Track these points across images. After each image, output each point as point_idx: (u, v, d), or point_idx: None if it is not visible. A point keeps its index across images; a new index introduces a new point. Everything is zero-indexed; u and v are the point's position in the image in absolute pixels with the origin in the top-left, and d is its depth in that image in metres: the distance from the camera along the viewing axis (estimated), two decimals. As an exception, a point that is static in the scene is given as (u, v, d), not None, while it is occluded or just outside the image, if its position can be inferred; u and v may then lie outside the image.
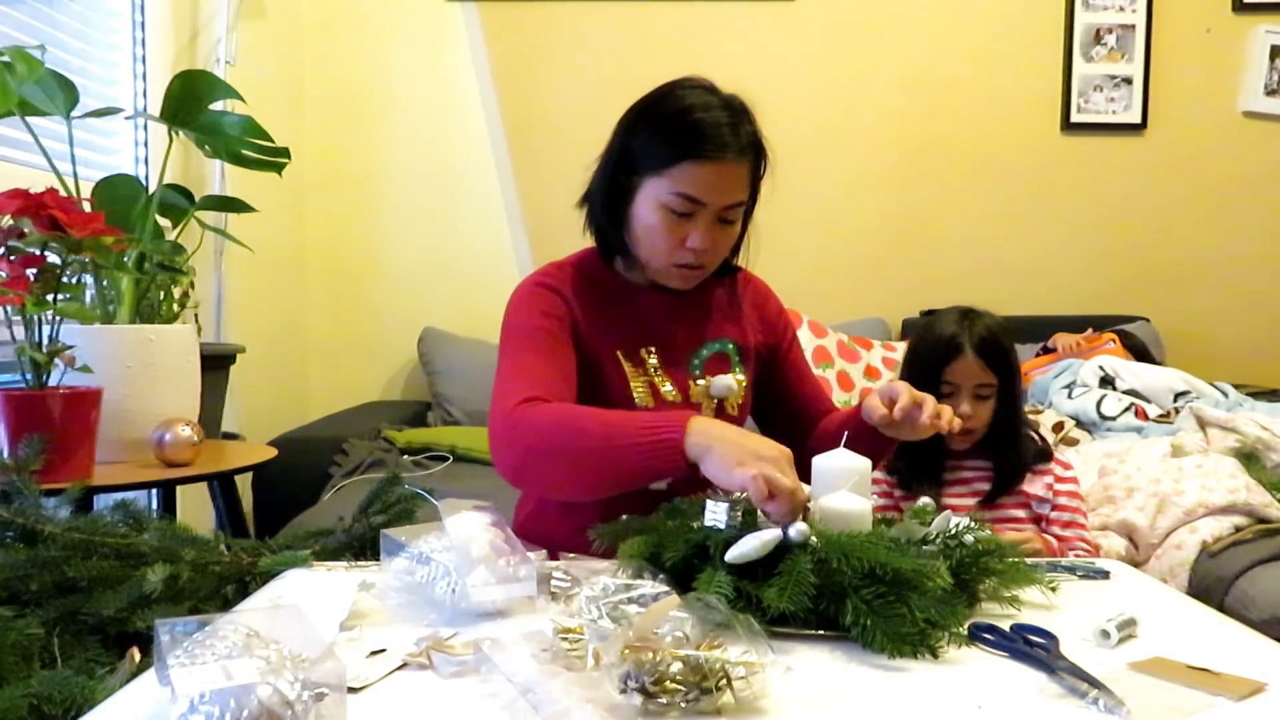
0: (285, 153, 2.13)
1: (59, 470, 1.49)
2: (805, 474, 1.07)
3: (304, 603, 0.86)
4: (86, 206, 1.65)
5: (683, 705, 0.71)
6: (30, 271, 1.52)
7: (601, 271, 1.40)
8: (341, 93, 3.31)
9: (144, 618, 1.06)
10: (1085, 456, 2.21)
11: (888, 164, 3.39)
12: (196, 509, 2.18)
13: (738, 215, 1.34)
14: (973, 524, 1.00)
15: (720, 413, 1.39)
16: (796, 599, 0.86)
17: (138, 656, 1.00)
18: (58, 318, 1.57)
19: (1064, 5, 3.35)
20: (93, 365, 1.61)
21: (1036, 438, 1.62)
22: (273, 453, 1.96)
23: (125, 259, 1.80)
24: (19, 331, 1.59)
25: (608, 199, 1.33)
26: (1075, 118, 3.37)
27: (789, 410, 1.49)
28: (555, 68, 3.33)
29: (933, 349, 1.55)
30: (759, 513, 0.97)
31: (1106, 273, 3.41)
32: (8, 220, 1.51)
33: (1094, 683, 0.76)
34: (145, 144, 2.42)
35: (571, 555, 1.14)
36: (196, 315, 2.18)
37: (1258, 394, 2.69)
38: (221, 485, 1.91)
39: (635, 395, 1.33)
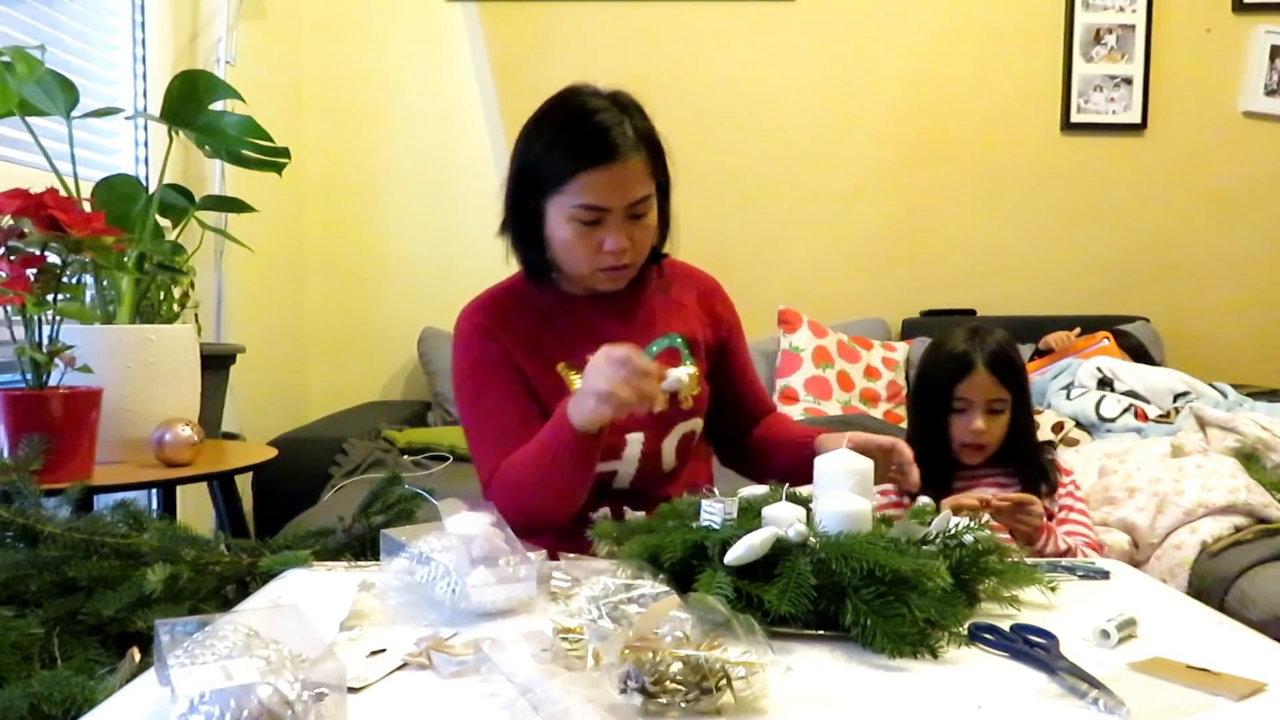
0: (285, 153, 2.13)
1: (59, 470, 1.49)
2: (747, 472, 1.30)
3: (304, 603, 0.86)
4: (86, 206, 1.65)
5: (683, 705, 0.71)
6: (30, 271, 1.52)
7: (534, 291, 1.42)
8: (341, 93, 3.31)
9: (144, 618, 1.06)
10: (1085, 457, 2.21)
11: (888, 164, 3.39)
12: (196, 509, 2.18)
13: (647, 208, 1.33)
14: (972, 523, 1.00)
15: (674, 406, 1.39)
16: (796, 600, 0.86)
17: (138, 656, 1.00)
18: (58, 318, 1.57)
19: (1064, 5, 3.35)
20: (93, 365, 1.61)
21: (1050, 458, 1.62)
22: (273, 453, 1.96)
23: (125, 259, 1.80)
24: (19, 331, 1.59)
25: (519, 224, 1.36)
26: (1075, 118, 3.37)
27: (729, 405, 1.50)
28: (555, 68, 3.32)
29: (944, 366, 1.55)
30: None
31: (1106, 273, 3.41)
32: (8, 220, 1.51)
33: (1094, 683, 0.76)
34: (145, 144, 2.42)
35: (571, 555, 1.14)
36: (196, 315, 2.18)
37: (1257, 394, 2.69)
38: (221, 485, 1.91)
39: None
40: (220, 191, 2.58)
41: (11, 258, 1.52)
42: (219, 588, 1.17)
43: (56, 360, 1.56)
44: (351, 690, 0.75)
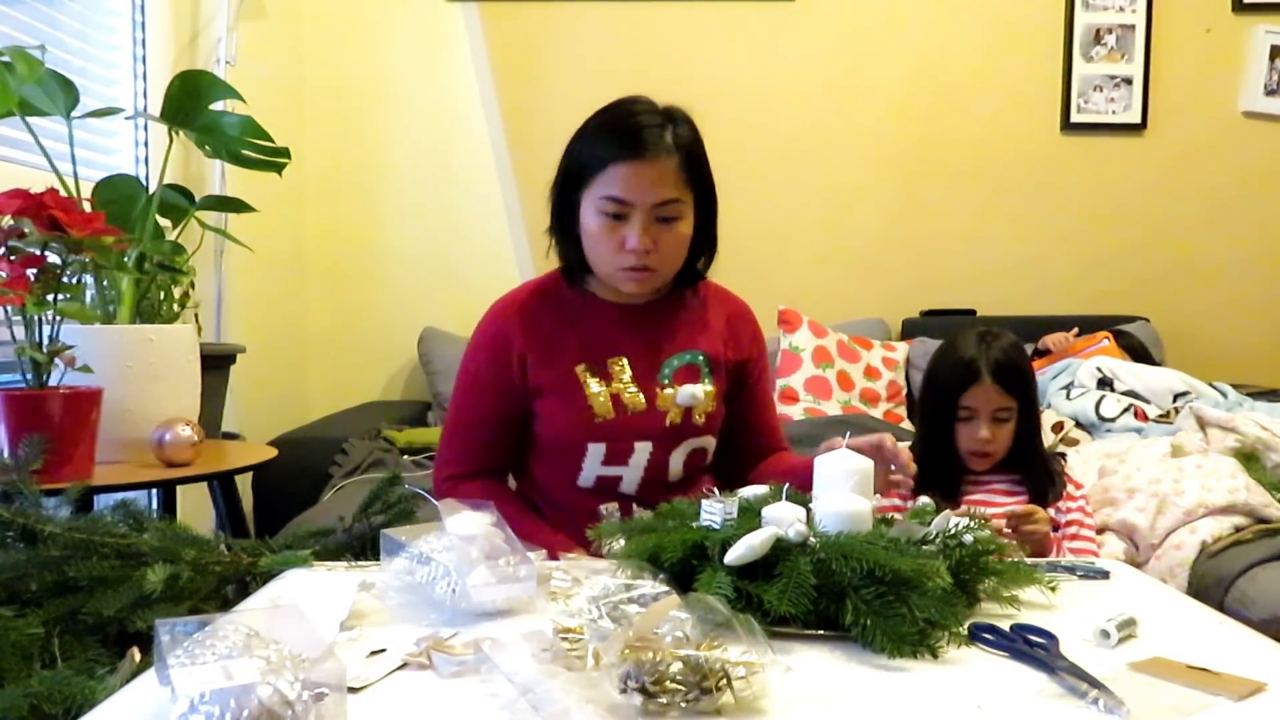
0: (285, 153, 2.13)
1: (59, 470, 1.49)
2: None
3: (304, 603, 0.86)
4: (86, 206, 1.65)
5: (682, 705, 0.71)
6: (30, 271, 1.51)
7: (566, 291, 1.45)
8: (341, 93, 3.31)
9: (144, 618, 1.06)
10: (1085, 457, 2.21)
11: (888, 164, 3.39)
12: (196, 509, 2.18)
13: (676, 213, 1.33)
14: (972, 523, 1.00)
15: (686, 421, 1.41)
16: (797, 600, 0.86)
17: (138, 656, 1.00)
18: (58, 318, 1.57)
19: (1064, 5, 3.35)
20: (93, 365, 1.61)
21: (1058, 466, 1.61)
22: (273, 453, 1.95)
23: (125, 259, 1.80)
24: (19, 331, 1.59)
25: (561, 220, 1.40)
26: (1075, 118, 3.37)
27: (739, 432, 1.51)
28: (555, 68, 3.33)
29: (950, 374, 1.55)
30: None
31: (1106, 273, 3.41)
32: (8, 220, 1.51)
33: (1094, 683, 0.76)
34: (145, 144, 2.41)
35: (571, 555, 1.15)
36: (196, 315, 2.18)
37: (1258, 394, 2.69)
38: (221, 485, 1.91)
39: (595, 409, 1.38)
40: (220, 191, 2.58)
41: (11, 258, 1.51)
42: (219, 588, 1.17)
43: (56, 360, 1.56)
44: (351, 690, 0.75)
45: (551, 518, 1.43)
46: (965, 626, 0.89)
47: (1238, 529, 1.83)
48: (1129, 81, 3.36)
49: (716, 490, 1.12)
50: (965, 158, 3.39)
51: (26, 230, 1.51)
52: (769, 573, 0.90)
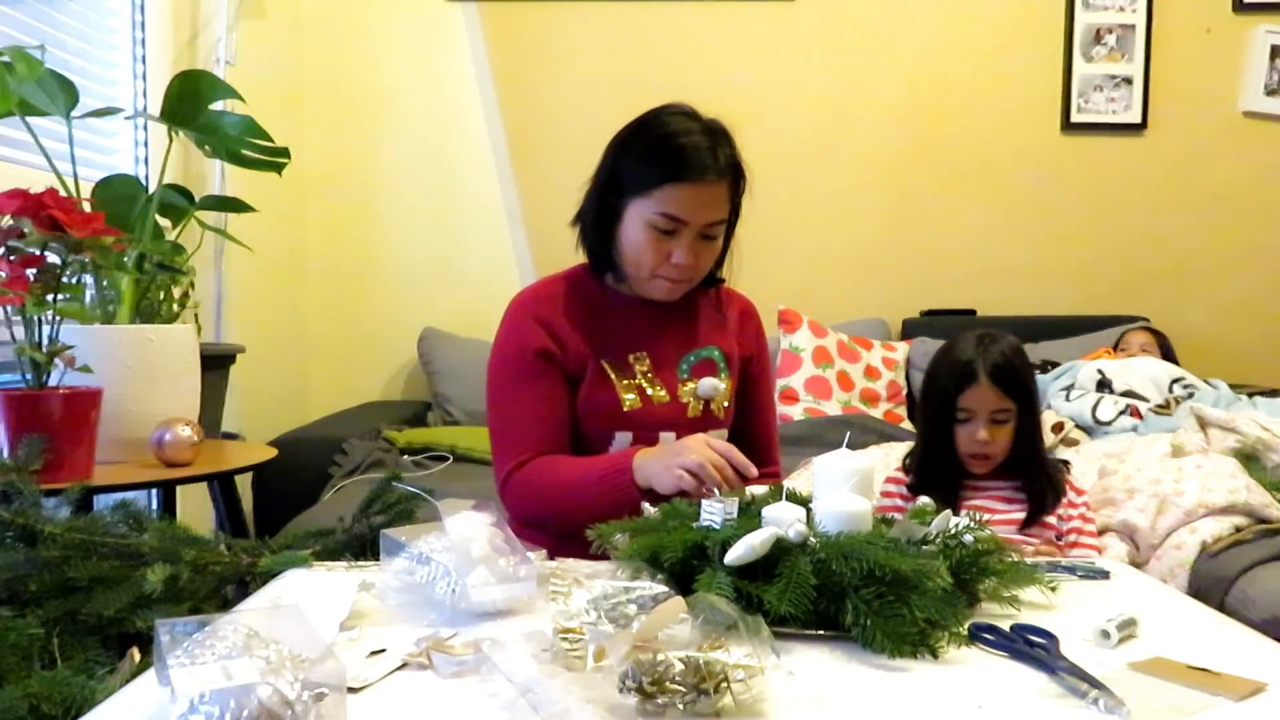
0: (285, 153, 2.13)
1: (59, 470, 1.49)
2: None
3: (304, 603, 0.86)
4: (86, 206, 1.65)
5: (681, 706, 0.71)
6: (30, 271, 1.52)
7: (592, 286, 1.49)
8: (341, 93, 3.31)
9: (144, 618, 1.06)
10: (1085, 457, 2.21)
11: (888, 164, 3.39)
12: (196, 509, 2.18)
13: (719, 231, 1.42)
14: (972, 524, 1.00)
15: (707, 413, 1.45)
16: (796, 600, 0.86)
17: (138, 656, 1.00)
18: (58, 318, 1.57)
19: (1064, 5, 3.34)
20: (93, 365, 1.61)
21: (1060, 467, 1.61)
22: (273, 453, 1.96)
23: (125, 259, 1.80)
24: (19, 331, 1.59)
25: (598, 219, 1.43)
26: (1075, 118, 3.37)
27: (736, 438, 1.50)
28: (555, 68, 3.33)
29: (948, 376, 1.55)
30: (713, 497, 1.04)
31: (1106, 273, 3.41)
32: (8, 220, 1.51)
33: (1094, 683, 0.76)
34: (145, 144, 2.42)
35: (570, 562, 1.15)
36: (196, 315, 2.18)
37: (1257, 394, 2.69)
38: (221, 485, 1.91)
39: (624, 400, 1.42)
40: (220, 191, 2.58)
41: (11, 258, 1.52)
42: (219, 588, 1.17)
43: (56, 360, 1.56)
44: (351, 690, 0.75)
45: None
46: (965, 626, 0.89)
47: (1238, 529, 1.83)
48: (1129, 81, 3.36)
49: (717, 490, 1.12)
50: (965, 158, 3.38)
51: (26, 230, 1.51)
52: (769, 573, 0.90)
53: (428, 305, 3.29)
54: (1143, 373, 2.67)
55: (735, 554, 0.90)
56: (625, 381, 1.42)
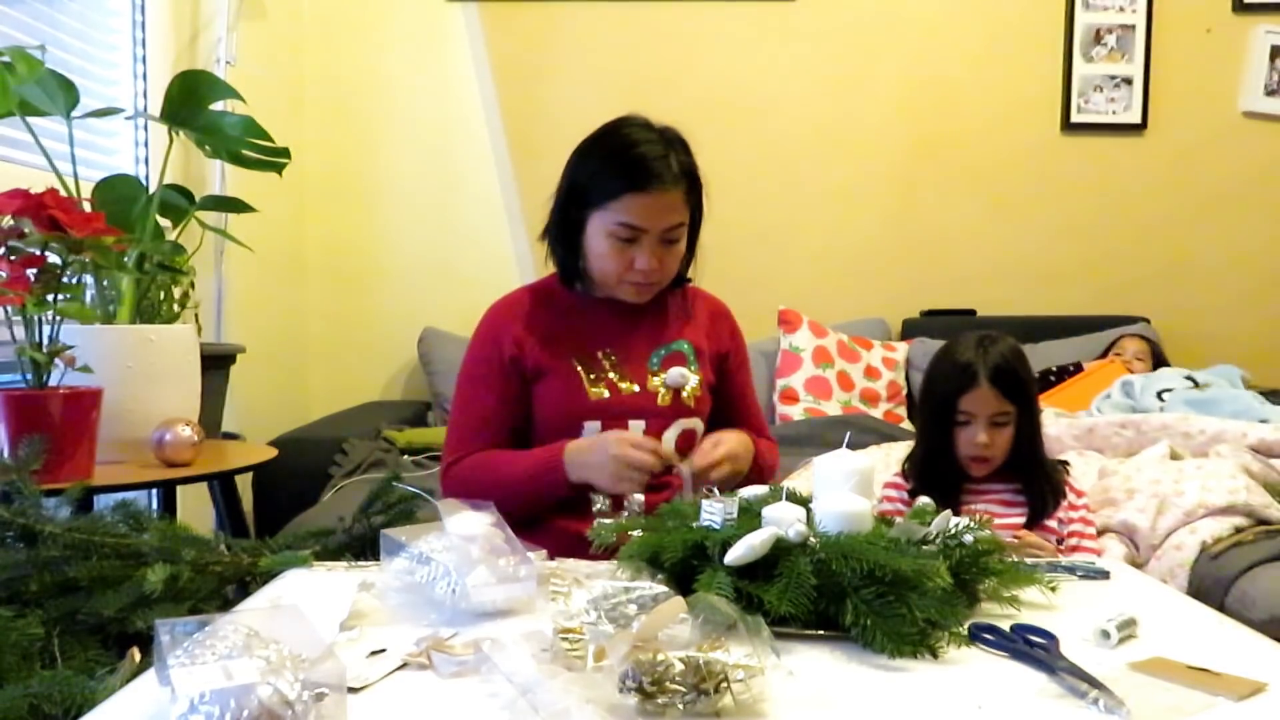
0: (285, 153, 2.13)
1: (59, 470, 1.49)
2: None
3: (304, 603, 0.86)
4: (87, 206, 1.65)
5: (680, 707, 0.71)
6: (30, 271, 1.51)
7: (561, 292, 1.55)
8: (341, 93, 3.31)
9: (144, 618, 1.06)
10: (1086, 458, 2.21)
11: (888, 164, 3.39)
12: (196, 509, 2.18)
13: (680, 235, 1.47)
14: (972, 524, 1.00)
15: (677, 402, 1.50)
16: (796, 600, 0.86)
17: (138, 656, 1.00)
18: (58, 318, 1.57)
19: (1064, 5, 3.34)
20: (93, 365, 1.61)
21: (1059, 469, 1.61)
22: (273, 453, 1.95)
23: (125, 259, 1.79)
24: (19, 331, 1.59)
25: (562, 232, 1.49)
26: (1075, 118, 3.37)
27: (725, 424, 1.55)
28: (555, 68, 3.33)
29: (948, 379, 1.54)
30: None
31: (1106, 273, 3.41)
32: (8, 220, 1.51)
33: (1094, 683, 0.76)
34: (145, 144, 2.41)
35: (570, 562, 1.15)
36: (196, 315, 2.18)
37: (1261, 394, 2.68)
38: (221, 485, 1.91)
39: (590, 393, 1.47)
40: (220, 191, 2.58)
41: (11, 258, 1.51)
42: (219, 588, 1.17)
43: (56, 360, 1.56)
44: (351, 690, 0.75)
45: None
46: (965, 626, 0.89)
47: (1238, 529, 1.82)
48: (1129, 81, 3.36)
49: (716, 490, 1.12)
50: (965, 158, 3.38)
51: (26, 230, 1.51)
52: (769, 573, 0.90)
53: (428, 305, 3.29)
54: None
55: (735, 554, 0.90)
56: (593, 376, 1.48)
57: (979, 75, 3.36)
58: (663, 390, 1.49)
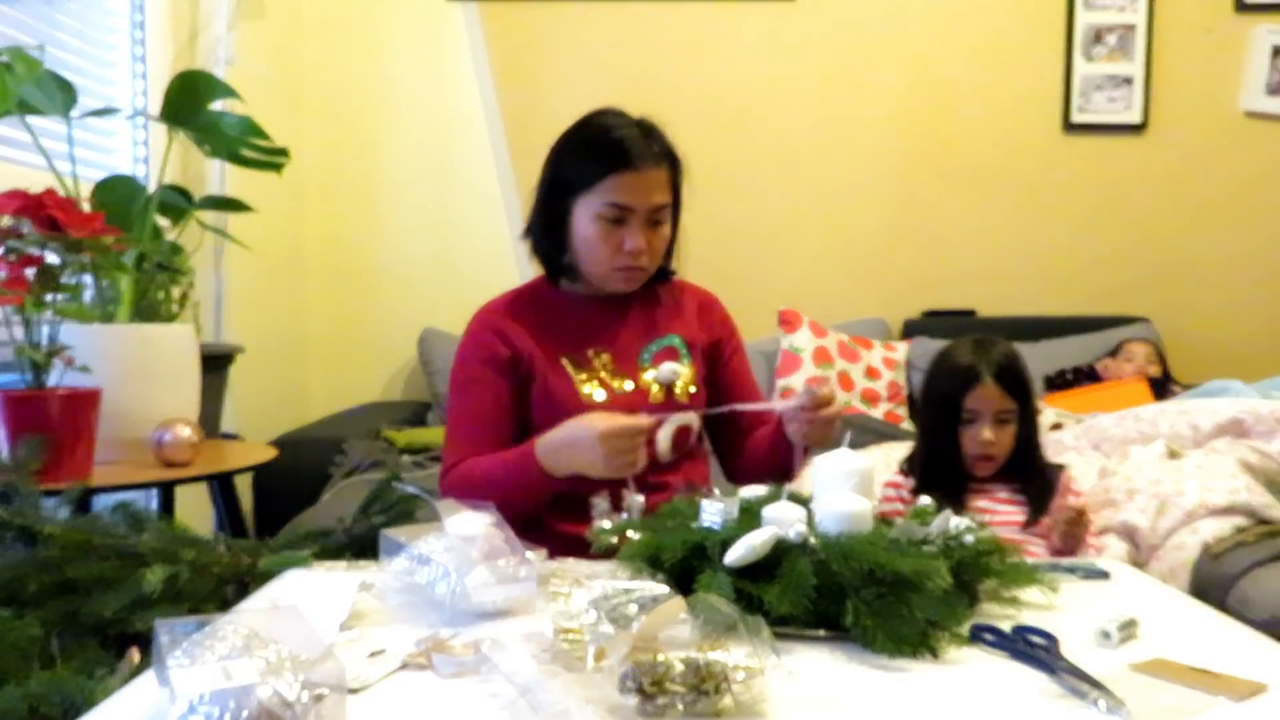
0: (285, 153, 2.13)
1: (58, 470, 1.49)
2: (744, 479, 1.28)
3: (304, 603, 0.86)
4: (86, 206, 1.65)
5: (681, 707, 0.71)
6: (29, 271, 1.51)
7: (547, 292, 1.55)
8: (341, 93, 3.31)
9: (144, 618, 1.06)
10: (1086, 458, 2.21)
11: (888, 164, 3.39)
12: (196, 509, 2.18)
13: (665, 218, 1.47)
14: (973, 524, 1.00)
15: (670, 398, 1.49)
16: (797, 601, 0.86)
17: (137, 657, 1.00)
18: (57, 318, 1.57)
19: (1064, 5, 3.34)
20: (92, 365, 1.61)
21: (1056, 469, 1.62)
22: (273, 453, 1.95)
23: (124, 259, 1.79)
24: (18, 331, 1.59)
25: (548, 225, 1.49)
26: (1075, 118, 3.37)
27: (733, 432, 1.56)
28: (555, 68, 3.33)
29: (951, 378, 1.56)
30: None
31: (1106, 273, 3.40)
32: (7, 220, 1.51)
33: (1094, 683, 0.76)
34: (145, 144, 2.41)
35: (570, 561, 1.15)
36: (196, 315, 2.18)
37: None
38: (221, 485, 1.91)
39: (582, 392, 1.46)
40: (220, 191, 2.58)
41: (11, 258, 1.51)
42: (219, 588, 1.17)
43: (56, 360, 1.56)
44: (351, 691, 0.75)
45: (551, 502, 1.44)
46: (966, 627, 0.89)
47: (1239, 530, 1.82)
48: (1129, 81, 3.36)
49: (716, 490, 1.12)
50: (966, 158, 3.38)
51: (25, 230, 1.51)
52: (769, 573, 0.90)
53: (428, 305, 3.29)
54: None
55: (735, 554, 0.90)
56: (584, 375, 1.47)
57: (979, 75, 3.36)
58: (655, 387, 1.48)
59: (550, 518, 1.42)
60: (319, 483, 2.42)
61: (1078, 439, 2.34)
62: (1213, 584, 1.74)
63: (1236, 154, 3.37)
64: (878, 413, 3.04)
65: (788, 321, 3.16)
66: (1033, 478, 1.57)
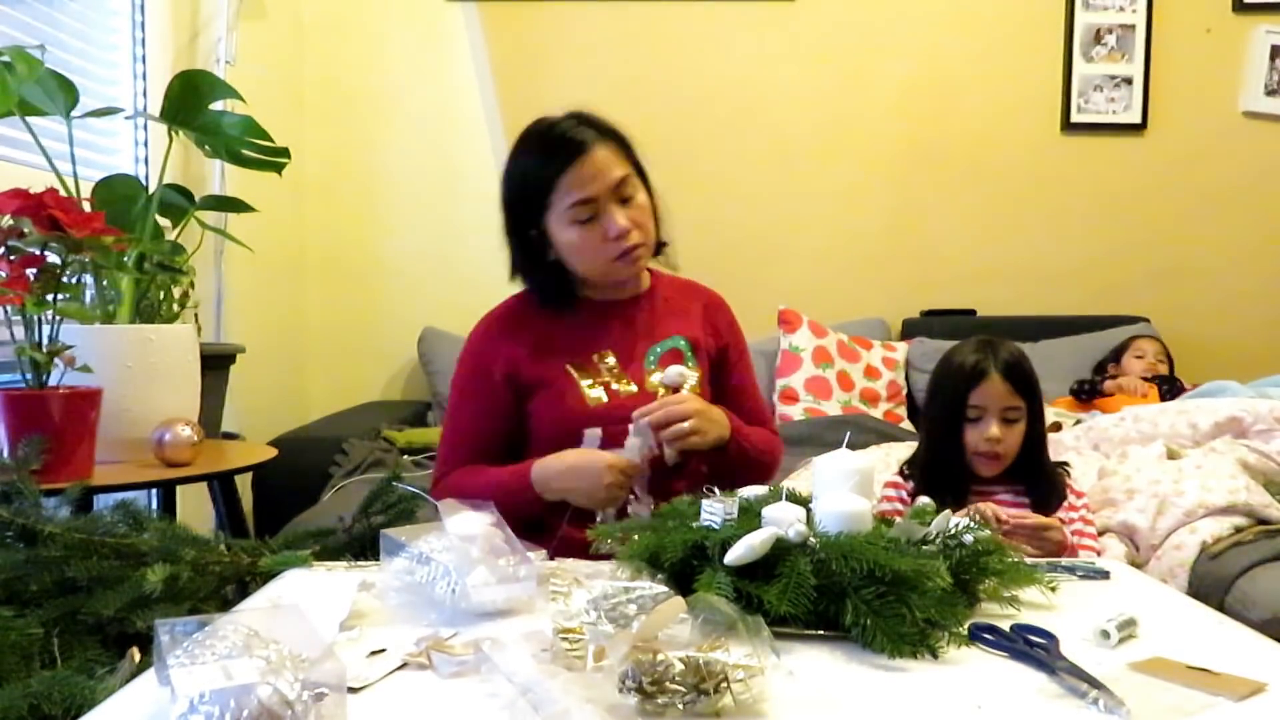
0: (285, 153, 2.13)
1: (59, 470, 1.49)
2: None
3: (304, 603, 0.86)
4: (86, 206, 1.65)
5: (681, 706, 0.71)
6: (30, 271, 1.51)
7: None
8: (341, 93, 3.31)
9: (144, 618, 1.06)
10: (1085, 458, 2.21)
11: (888, 164, 3.39)
12: (196, 509, 2.18)
13: (633, 189, 1.44)
14: (972, 524, 1.00)
15: None
16: (796, 600, 0.86)
17: (138, 656, 1.00)
18: (58, 318, 1.57)
19: (1064, 5, 3.34)
20: (93, 365, 1.61)
21: (1061, 477, 1.61)
22: (273, 453, 1.95)
23: (125, 259, 1.79)
24: (19, 331, 1.59)
25: (532, 257, 1.47)
26: (1075, 118, 3.37)
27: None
28: (555, 68, 3.33)
29: (957, 375, 1.54)
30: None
31: (1106, 273, 3.41)
32: (8, 220, 1.51)
33: (1094, 683, 0.76)
34: (145, 144, 2.41)
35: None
36: (196, 315, 2.18)
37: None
38: (221, 485, 1.91)
39: (589, 397, 1.45)
40: (220, 191, 2.58)
41: (11, 258, 1.51)
42: (219, 588, 1.17)
43: (56, 360, 1.56)
44: (351, 690, 0.75)
45: (551, 506, 1.43)
46: (965, 626, 0.89)
47: (1238, 529, 1.82)
48: (1129, 81, 3.36)
49: (716, 490, 1.12)
50: (965, 157, 3.38)
51: (26, 230, 1.51)
52: (769, 573, 0.90)
53: (428, 305, 3.29)
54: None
55: (735, 554, 0.90)
56: (589, 380, 1.46)
57: (979, 75, 3.36)
58: (662, 390, 1.45)
59: (552, 519, 1.41)
60: (319, 483, 2.42)
61: (1077, 439, 2.35)
62: (1212, 583, 1.74)
63: (1235, 154, 3.37)
64: (877, 413, 3.05)
65: (787, 321, 3.16)
66: (1038, 479, 1.56)
